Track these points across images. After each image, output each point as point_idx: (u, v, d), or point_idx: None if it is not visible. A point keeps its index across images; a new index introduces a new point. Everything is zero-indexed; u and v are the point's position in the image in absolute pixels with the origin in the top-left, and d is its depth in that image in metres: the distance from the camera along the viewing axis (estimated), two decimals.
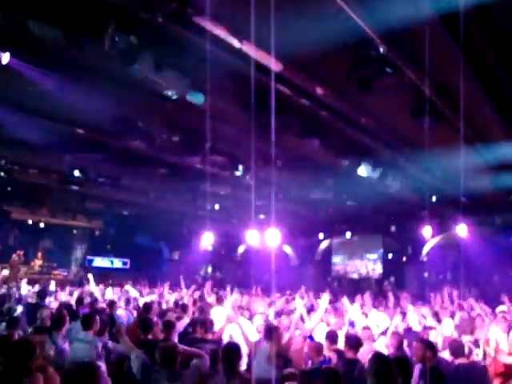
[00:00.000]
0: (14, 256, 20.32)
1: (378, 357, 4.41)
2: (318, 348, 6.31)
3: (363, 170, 10.54)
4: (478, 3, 5.47)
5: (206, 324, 7.14)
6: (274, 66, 6.25)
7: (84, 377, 3.12)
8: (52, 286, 14.07)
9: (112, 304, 9.75)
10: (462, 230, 17.19)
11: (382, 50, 6.34)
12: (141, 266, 25.83)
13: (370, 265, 23.57)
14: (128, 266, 26.42)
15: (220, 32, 5.64)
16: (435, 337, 7.72)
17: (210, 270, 28.18)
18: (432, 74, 6.92)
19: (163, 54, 6.36)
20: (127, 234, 25.73)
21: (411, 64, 6.70)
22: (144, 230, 25.82)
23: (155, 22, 5.82)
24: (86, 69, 6.98)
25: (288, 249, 25.23)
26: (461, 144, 9.46)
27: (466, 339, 7.50)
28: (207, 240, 23.18)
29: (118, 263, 26.27)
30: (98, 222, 24.55)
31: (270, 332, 6.15)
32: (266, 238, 19.89)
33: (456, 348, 6.02)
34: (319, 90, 7.11)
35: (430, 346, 5.69)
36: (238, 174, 10.78)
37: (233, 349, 5.03)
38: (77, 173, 13.16)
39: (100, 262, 25.66)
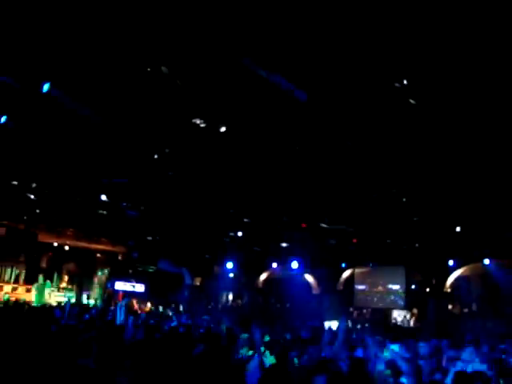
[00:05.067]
0: None
1: None
2: None
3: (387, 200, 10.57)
4: None
5: None
6: (300, 96, 6.42)
7: None
8: None
9: None
10: (487, 261, 16.99)
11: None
12: (162, 291, 25.92)
13: (393, 295, 23.25)
14: (149, 291, 26.53)
15: (249, 64, 5.83)
16: None
17: (230, 297, 28.12)
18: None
19: (192, 84, 6.58)
20: (149, 259, 25.92)
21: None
22: (166, 256, 25.97)
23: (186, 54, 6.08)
24: (117, 97, 7.23)
25: (310, 277, 25.09)
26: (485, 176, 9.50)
27: None
28: (229, 267, 23.37)
29: (139, 287, 26.38)
30: (121, 247, 24.81)
31: None
32: (287, 266, 19.92)
33: None
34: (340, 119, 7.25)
35: None
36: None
37: None
38: (103, 197, 13.42)
39: (122, 285, 25.81)
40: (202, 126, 7.16)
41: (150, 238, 21.92)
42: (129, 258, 25.79)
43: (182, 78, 6.59)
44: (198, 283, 27.85)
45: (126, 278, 26.17)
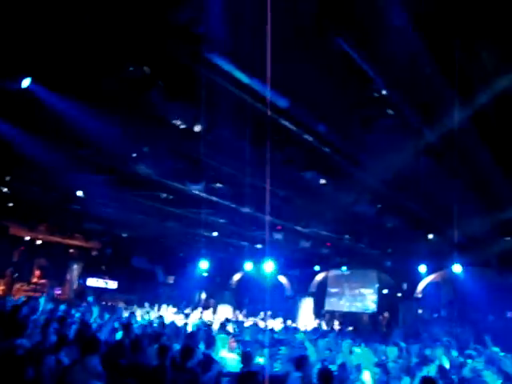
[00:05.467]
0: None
1: None
2: None
3: (361, 206, 10.76)
4: None
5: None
6: (282, 102, 6.49)
7: None
8: None
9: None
10: (457, 268, 17.38)
11: (384, 91, 6.60)
12: (135, 288, 25.79)
13: (365, 299, 23.54)
14: (122, 288, 26.35)
15: (230, 68, 5.87)
16: None
17: (203, 296, 28.11)
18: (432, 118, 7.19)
19: (174, 85, 6.59)
20: (123, 256, 25.76)
21: (412, 107, 6.95)
22: (140, 253, 25.84)
23: (169, 55, 6.09)
24: (97, 94, 7.20)
25: (283, 279, 25.23)
26: (459, 186, 9.73)
27: None
28: (203, 266, 23.39)
29: (112, 284, 26.20)
30: (94, 242, 24.59)
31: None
32: (262, 267, 20.03)
33: None
34: (322, 127, 7.35)
35: None
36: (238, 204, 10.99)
37: None
38: (79, 193, 13.31)
39: (94, 281, 25.59)
40: (182, 127, 7.17)
41: (124, 235, 21.77)
42: (102, 254, 25.58)
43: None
44: (171, 281, 27.78)
45: (99, 275, 25.98)
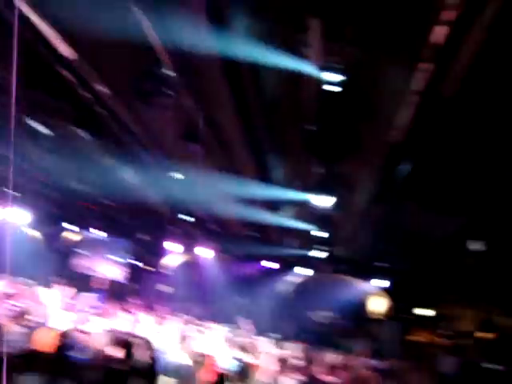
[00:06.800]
0: None
1: None
2: None
3: (126, 173, 11.03)
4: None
5: None
6: (66, 51, 6.44)
7: None
8: None
9: None
10: (202, 251, 18.78)
11: (168, 72, 7.01)
12: None
13: (111, 266, 23.82)
14: None
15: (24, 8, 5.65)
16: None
17: None
18: (205, 106, 7.87)
19: None
20: None
21: (190, 92, 7.51)
22: None
23: None
24: None
25: (35, 233, 24.02)
26: (217, 174, 10.72)
27: None
28: None
29: None
30: None
31: None
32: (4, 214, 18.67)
33: None
34: (102, 88, 7.45)
35: None
36: None
37: None
38: None
39: None
40: None
41: None
42: None
43: None
44: None
45: None
